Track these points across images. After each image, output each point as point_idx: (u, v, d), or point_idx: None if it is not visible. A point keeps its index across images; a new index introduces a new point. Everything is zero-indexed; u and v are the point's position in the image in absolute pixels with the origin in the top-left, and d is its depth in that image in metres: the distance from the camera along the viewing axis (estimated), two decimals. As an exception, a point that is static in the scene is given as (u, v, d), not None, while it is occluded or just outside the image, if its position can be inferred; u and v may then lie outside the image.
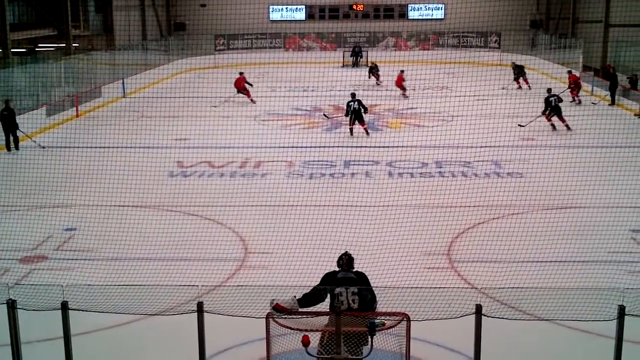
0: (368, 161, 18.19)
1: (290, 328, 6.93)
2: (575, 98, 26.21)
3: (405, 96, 28.37)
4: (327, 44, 45.21)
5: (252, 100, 27.60)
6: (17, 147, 20.21)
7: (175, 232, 12.60)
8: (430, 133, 20.63)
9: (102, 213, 13.45)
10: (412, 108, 26.17)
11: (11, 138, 20.17)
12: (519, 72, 30.84)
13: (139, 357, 8.47)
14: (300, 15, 45.47)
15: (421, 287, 7.52)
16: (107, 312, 7.03)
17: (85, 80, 28.39)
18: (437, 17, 44.78)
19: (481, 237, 12.03)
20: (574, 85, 26.35)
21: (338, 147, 19.31)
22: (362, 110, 21.03)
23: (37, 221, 12.82)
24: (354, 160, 18.16)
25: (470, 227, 12.70)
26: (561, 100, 21.66)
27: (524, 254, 11.20)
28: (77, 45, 33.98)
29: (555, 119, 21.43)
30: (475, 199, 13.64)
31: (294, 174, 17.11)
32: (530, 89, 29.33)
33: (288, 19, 45.32)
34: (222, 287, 9.80)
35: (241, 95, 27.73)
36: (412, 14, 45.12)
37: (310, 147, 19.29)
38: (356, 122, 21.20)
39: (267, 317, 6.94)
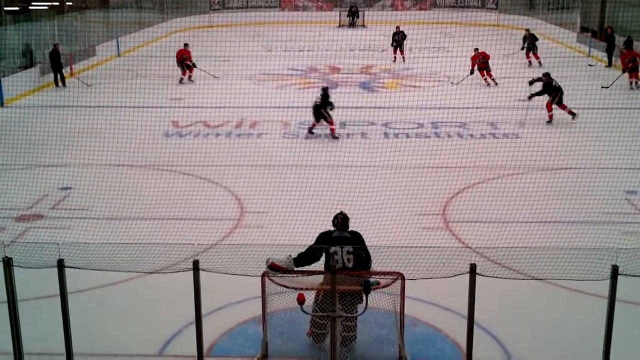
0: (364, 122, 18.15)
1: (286, 286, 6.99)
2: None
3: (488, 83, 22.58)
4: (324, 4, 44.76)
5: (182, 78, 23.97)
6: (64, 84, 23.33)
7: (171, 192, 12.60)
8: (426, 94, 20.55)
9: (98, 172, 13.43)
10: (408, 69, 26.04)
11: (59, 76, 23.33)
12: (532, 42, 27.13)
13: (135, 315, 8.53)
14: (297, -26, 44.93)
15: (416, 247, 7.56)
16: (103, 270, 7.06)
17: (79, 39, 28.10)
18: (435, -23, 44.31)
19: (476, 197, 12.08)
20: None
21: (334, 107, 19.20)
22: (323, 105, 16.72)
23: (33, 180, 12.79)
24: (350, 121, 18.11)
25: (465, 188, 12.73)
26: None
27: (518, 214, 11.25)
28: (70, 3, 33.59)
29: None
30: (470, 160, 13.63)
31: (289, 135, 17.07)
32: (540, 65, 26.06)
33: (284, -22, 44.80)
34: (217, 245, 9.85)
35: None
36: (409, -27, 44.63)
37: (306, 107, 19.21)
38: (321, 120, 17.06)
39: (263, 276, 6.99)
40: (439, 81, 23.61)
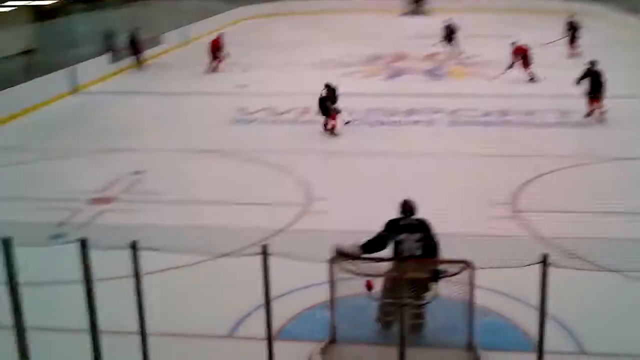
0: (430, 110, 17.98)
1: (354, 273, 6.99)
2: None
3: (531, 77, 20.94)
4: (389, -9, 44.34)
5: (214, 67, 23.78)
6: (139, 67, 24.69)
7: (240, 177, 12.76)
8: (495, 82, 20.22)
9: (168, 157, 13.68)
10: (475, 56, 25.65)
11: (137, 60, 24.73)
12: (573, 32, 25.13)
13: (205, 297, 8.67)
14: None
15: (485, 236, 7.48)
16: (174, 252, 7.19)
17: (147, 27, 28.56)
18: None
19: (547, 187, 11.85)
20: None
21: (400, 95, 19.11)
22: (329, 99, 15.98)
23: (106, 165, 13.13)
24: (416, 109, 17.97)
25: (535, 177, 12.48)
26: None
27: (591, 204, 10.98)
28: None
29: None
30: (541, 148, 13.38)
31: (355, 122, 17.04)
32: (578, 55, 23.79)
33: (349, -35, 44.54)
34: (285, 231, 9.92)
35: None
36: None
37: (372, 94, 19.16)
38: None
39: (331, 262, 7.01)
40: (506, 69, 23.17)
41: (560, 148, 13.68)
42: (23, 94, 18.12)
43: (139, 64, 25.00)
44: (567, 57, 24.44)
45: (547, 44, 23.87)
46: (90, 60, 22.87)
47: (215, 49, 23.93)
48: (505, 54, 21.82)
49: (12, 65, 21.13)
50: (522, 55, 20.89)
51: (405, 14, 40.04)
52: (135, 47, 24.95)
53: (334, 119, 15.89)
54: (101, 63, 23.13)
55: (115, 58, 24.07)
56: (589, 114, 16.23)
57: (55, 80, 20.22)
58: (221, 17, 34.44)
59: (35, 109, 18.63)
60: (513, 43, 21.27)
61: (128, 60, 24.86)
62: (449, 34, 26.59)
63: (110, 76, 23.20)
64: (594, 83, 16.03)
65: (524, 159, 13.07)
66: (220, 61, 23.97)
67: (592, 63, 16.36)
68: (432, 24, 30.90)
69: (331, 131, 15.79)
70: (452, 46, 26.38)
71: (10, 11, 25.05)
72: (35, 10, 28.07)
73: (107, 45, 24.80)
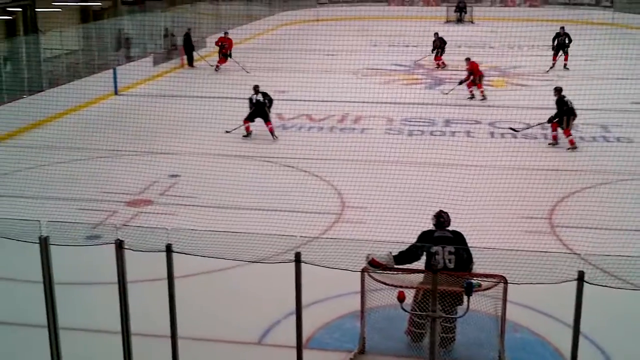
0: (469, 120, 17.84)
1: (385, 284, 6.95)
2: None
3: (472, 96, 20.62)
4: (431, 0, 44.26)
5: (217, 67, 25.37)
6: (192, 65, 26.20)
7: (274, 183, 12.80)
8: (535, 93, 19.97)
9: (205, 161, 13.78)
10: (517, 67, 25.39)
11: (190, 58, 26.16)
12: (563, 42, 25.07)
13: (236, 303, 8.72)
14: (405, -31, 44.60)
15: (520, 250, 7.36)
16: (208, 257, 7.21)
17: (190, 30, 28.89)
18: (548, -27, 43.00)
19: (585, 202, 11.63)
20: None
21: (439, 105, 18.99)
22: (267, 104, 16.57)
23: (144, 166, 13.28)
24: (455, 119, 17.85)
25: (574, 192, 12.30)
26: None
27: (630, 221, 10.79)
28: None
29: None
30: (580, 163, 13.19)
31: (393, 131, 16.99)
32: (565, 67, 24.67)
33: (393, -28, 44.54)
34: (318, 239, 9.92)
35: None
36: (522, -31, 43.52)
37: (411, 103, 19.07)
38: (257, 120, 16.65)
39: (363, 272, 6.99)
40: (548, 80, 22.90)
41: (601, 163, 13.43)
42: (68, 93, 18.44)
43: (191, 63, 26.15)
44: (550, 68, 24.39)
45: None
46: (133, 62, 23.20)
47: (220, 47, 25.49)
48: (546, 64, 21.58)
49: (58, 65, 21.57)
50: (473, 72, 20.53)
51: (448, 22, 39.83)
52: (188, 47, 26.21)
53: (270, 123, 16.35)
54: (144, 65, 23.41)
55: (154, 61, 24.40)
56: (554, 143, 15.61)
57: (99, 81, 20.54)
58: (263, 21, 34.64)
59: (79, 109, 18.94)
60: (467, 59, 21.04)
61: (180, 60, 25.39)
62: (440, 45, 26.41)
63: (152, 78, 23.48)
64: (561, 111, 15.45)
65: (563, 173, 12.88)
66: (223, 61, 25.33)
67: (558, 90, 15.85)
68: (475, 32, 30.67)
69: (272, 134, 16.29)
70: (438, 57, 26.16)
71: (58, 12, 25.56)
72: (83, 11, 28.63)
73: (165, 44, 26.30)
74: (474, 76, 20.37)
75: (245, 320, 8.26)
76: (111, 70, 21.56)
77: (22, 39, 20.74)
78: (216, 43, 25.76)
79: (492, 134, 16.62)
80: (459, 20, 39.68)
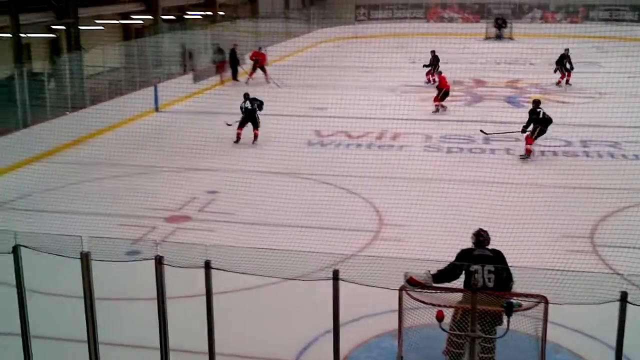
0: (509, 138, 17.66)
1: (424, 302, 6.88)
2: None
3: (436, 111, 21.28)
4: (470, 16, 44.11)
5: (248, 79, 26.62)
6: (236, 79, 26.97)
7: (312, 200, 12.81)
8: (576, 110, 19.73)
9: (243, 178, 13.86)
10: (557, 84, 25.13)
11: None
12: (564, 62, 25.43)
13: (274, 320, 8.72)
14: (444, -15, 44.65)
15: (561, 270, 7.25)
16: (247, 274, 7.23)
17: (230, 48, 29.22)
18: (589, -11, 42.64)
19: (628, 221, 11.43)
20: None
21: (478, 121, 18.86)
22: (258, 110, 17.59)
23: (182, 183, 13.41)
24: (494, 136, 17.69)
25: (616, 211, 12.09)
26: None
27: (674, 241, 10.55)
28: (222, 13, 34.94)
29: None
30: (623, 182, 12.95)
31: (431, 148, 16.91)
32: (567, 83, 25.41)
33: (431, -11, 44.59)
34: (356, 256, 9.89)
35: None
36: (562, -15, 43.24)
37: (449, 120, 18.98)
38: (247, 125, 17.56)
39: (401, 290, 6.93)
40: (590, 97, 22.64)
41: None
42: (110, 110, 18.74)
43: (235, 76, 26.98)
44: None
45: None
46: (173, 79, 23.51)
47: (254, 60, 26.88)
48: (588, 81, 21.31)
49: (101, 82, 21.95)
50: (439, 86, 21.28)
51: (488, 38, 39.63)
52: (234, 61, 27.11)
53: (257, 130, 17.48)
54: (184, 82, 23.71)
55: (195, 78, 24.72)
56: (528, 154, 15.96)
57: (140, 98, 20.84)
58: (302, 39, 34.85)
59: (120, 125, 19.23)
60: (440, 73, 21.92)
61: (219, 77, 25.80)
62: (434, 62, 26.54)
63: (192, 95, 23.75)
64: (530, 120, 16.08)
65: (605, 191, 12.67)
66: (252, 75, 26.61)
67: (535, 102, 16.39)
68: (516, 49, 30.43)
69: (255, 138, 17.43)
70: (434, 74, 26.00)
71: (101, 29, 26.06)
72: (125, 28, 29.14)
73: (214, 59, 27.29)
74: (439, 89, 21.13)
75: (282, 338, 8.25)
76: (152, 87, 21.85)
77: (66, 57, 21.14)
78: (250, 57, 27.28)
79: (532, 151, 16.42)
80: (498, 37, 39.44)
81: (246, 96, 17.70)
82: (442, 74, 21.89)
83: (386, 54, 27.97)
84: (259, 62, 27.03)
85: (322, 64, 27.69)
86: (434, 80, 25.64)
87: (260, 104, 17.60)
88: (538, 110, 16.08)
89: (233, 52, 27.20)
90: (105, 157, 16.16)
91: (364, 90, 22.82)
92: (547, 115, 16.07)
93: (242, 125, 17.47)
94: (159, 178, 14.37)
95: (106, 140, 17.87)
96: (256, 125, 17.43)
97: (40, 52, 24.04)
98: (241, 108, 17.58)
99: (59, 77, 19.63)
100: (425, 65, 26.52)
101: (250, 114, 17.43)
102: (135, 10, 28.02)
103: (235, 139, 17.33)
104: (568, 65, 25.34)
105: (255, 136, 17.40)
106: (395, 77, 26.70)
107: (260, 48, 27.74)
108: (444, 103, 21.12)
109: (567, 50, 25.62)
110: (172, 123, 19.85)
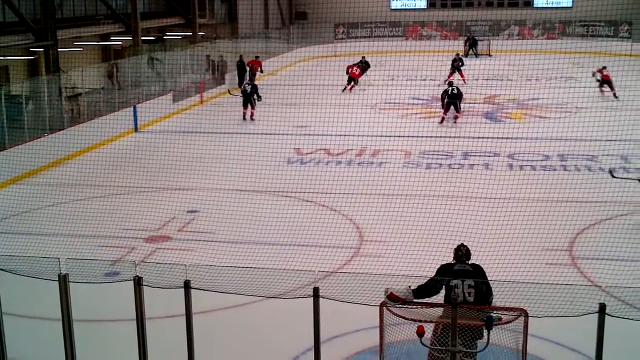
0: (487, 153, 17.80)
1: (404, 318, 6.88)
2: None
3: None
4: (449, 33, 44.47)
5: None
6: (241, 87, 26.44)
7: (292, 218, 12.79)
8: (554, 125, 19.93)
9: (223, 197, 13.82)
10: (535, 99, 25.38)
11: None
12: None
13: (255, 339, 8.68)
14: (422, 3, 44.96)
15: (540, 283, 7.29)
16: (226, 293, 7.21)
17: (209, 67, 29.29)
18: (565, 5, 43.11)
19: (606, 234, 11.53)
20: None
21: (456, 137, 19.00)
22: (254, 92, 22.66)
23: (162, 203, 13.34)
24: (473, 151, 17.82)
25: (594, 224, 12.19)
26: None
27: (652, 253, 10.65)
28: (202, 33, 34.97)
29: None
30: (600, 195, 13.05)
31: (411, 164, 16.99)
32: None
33: (409, 7, 44.90)
34: (337, 273, 9.88)
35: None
36: (538, 2, 43.69)
37: (428, 136, 19.08)
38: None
39: (382, 306, 6.93)
40: (567, 112, 22.88)
41: (621, 194, 13.30)
42: (89, 131, 18.65)
43: (241, 84, 27.43)
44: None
45: None
46: (152, 100, 23.46)
47: (251, 69, 28.87)
48: (567, 95, 21.52)
49: (81, 102, 21.84)
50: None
51: (468, 55, 39.96)
52: (241, 70, 29.08)
53: (252, 109, 22.41)
54: (163, 102, 23.67)
55: (174, 98, 24.69)
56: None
57: (119, 118, 20.77)
58: (282, 57, 34.95)
59: (100, 146, 19.14)
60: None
61: (198, 96, 26.08)
62: (364, 67, 29.09)
63: (171, 115, 23.71)
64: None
65: (583, 204, 12.77)
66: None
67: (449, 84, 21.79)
68: (494, 65, 30.65)
69: (250, 117, 22.47)
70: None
71: (79, 51, 25.99)
72: (104, 49, 29.10)
73: (214, 71, 29.05)
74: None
75: (263, 356, 8.21)
76: (131, 108, 21.79)
77: (44, 79, 21.03)
78: (247, 64, 29.34)
79: (510, 166, 16.56)
80: (468, 55, 39.72)
81: (247, 81, 23.00)
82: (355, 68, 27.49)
83: (365, 72, 28.17)
84: (254, 69, 29.09)
85: (302, 83, 27.75)
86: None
87: (254, 87, 22.77)
88: (447, 90, 21.16)
89: (241, 63, 29.32)
90: (84, 178, 16.07)
91: (344, 107, 22.88)
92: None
93: (244, 105, 22.50)
94: (138, 198, 14.30)
95: (85, 161, 17.78)
96: (252, 106, 22.47)
97: (19, 74, 23.93)
98: (242, 91, 22.94)
99: (37, 98, 19.52)
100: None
101: (247, 96, 22.47)
102: (114, 31, 27.97)
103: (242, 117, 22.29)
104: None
105: (251, 114, 22.47)
106: (375, 94, 26.86)
107: (257, 57, 29.86)
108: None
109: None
110: (152, 143, 19.79)
